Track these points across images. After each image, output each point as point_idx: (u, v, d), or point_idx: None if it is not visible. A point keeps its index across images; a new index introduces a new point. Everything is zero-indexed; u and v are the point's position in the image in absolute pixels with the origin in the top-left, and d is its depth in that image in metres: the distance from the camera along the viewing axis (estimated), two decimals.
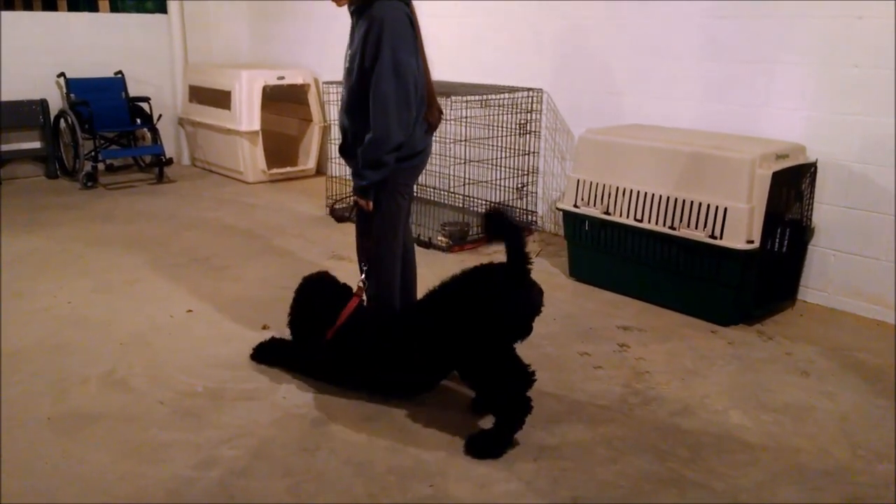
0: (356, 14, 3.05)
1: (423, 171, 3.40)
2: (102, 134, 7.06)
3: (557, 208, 4.64)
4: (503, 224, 2.69)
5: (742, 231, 3.69)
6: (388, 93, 2.88)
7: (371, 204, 3.10)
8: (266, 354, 3.39)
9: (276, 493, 2.46)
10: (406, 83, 2.90)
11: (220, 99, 7.16)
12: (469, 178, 5.47)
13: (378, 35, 2.86)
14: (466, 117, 5.36)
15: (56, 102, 7.21)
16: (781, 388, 3.22)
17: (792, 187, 3.91)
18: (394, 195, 3.16)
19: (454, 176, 5.50)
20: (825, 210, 4.06)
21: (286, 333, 3.59)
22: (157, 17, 7.80)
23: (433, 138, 3.34)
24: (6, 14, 7.03)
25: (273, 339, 3.47)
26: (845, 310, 4.06)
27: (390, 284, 3.24)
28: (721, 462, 2.67)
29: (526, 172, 5.53)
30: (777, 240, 3.93)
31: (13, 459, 2.63)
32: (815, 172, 4.00)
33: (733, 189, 3.71)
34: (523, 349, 3.55)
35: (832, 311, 4.08)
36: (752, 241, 3.70)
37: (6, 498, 2.43)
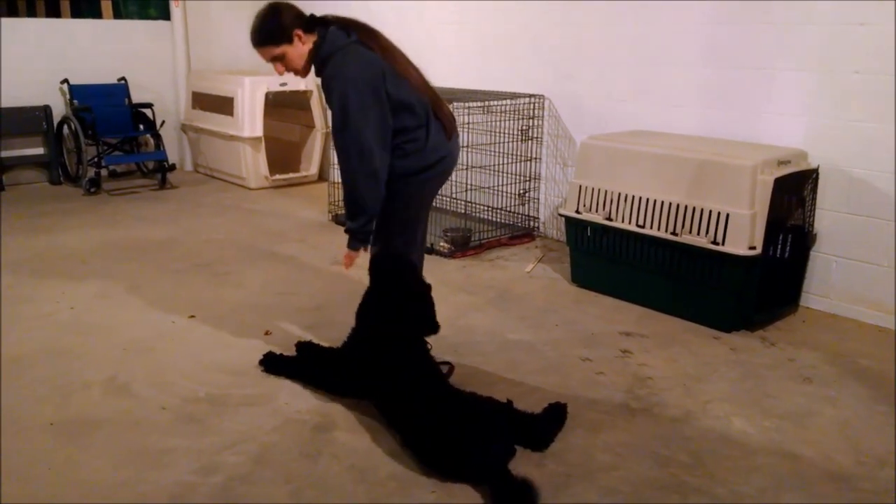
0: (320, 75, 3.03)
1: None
2: (105, 140, 7.07)
3: (559, 214, 4.64)
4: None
5: (744, 237, 3.69)
6: (361, 151, 2.87)
7: (359, 253, 3.12)
8: (279, 366, 3.34)
9: (277, 499, 2.46)
10: (363, 143, 2.85)
11: (223, 105, 7.18)
12: (471, 184, 5.48)
13: (333, 99, 2.88)
14: (468, 123, 5.37)
15: (59, 108, 7.23)
16: (784, 395, 3.22)
17: (794, 193, 3.91)
18: (413, 202, 3.17)
19: (456, 182, 5.51)
20: (827, 216, 4.06)
21: (287, 333, 3.60)
22: (160, 24, 7.82)
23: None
24: (10, 21, 7.06)
25: (300, 352, 3.40)
26: (847, 316, 4.05)
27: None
28: (723, 468, 2.66)
29: (528, 178, 5.54)
30: (779, 246, 3.92)
31: (15, 465, 2.63)
32: (816, 178, 4.00)
33: (735, 195, 3.71)
34: (525, 355, 3.56)
35: (834, 318, 4.07)
36: (754, 248, 3.70)
37: (7, 502, 2.43)
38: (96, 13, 8.35)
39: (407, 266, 3.13)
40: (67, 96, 7.17)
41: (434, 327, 3.04)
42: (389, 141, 2.95)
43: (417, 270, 3.16)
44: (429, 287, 3.09)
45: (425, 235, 3.48)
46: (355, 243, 3.08)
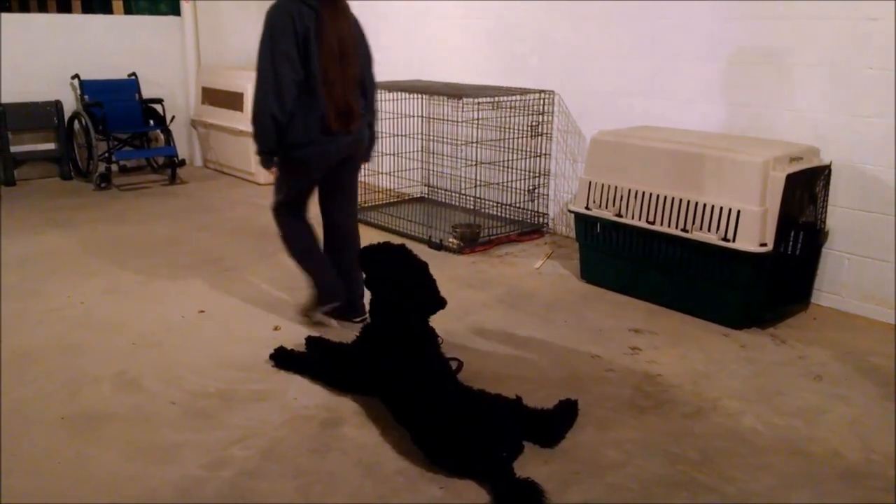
0: None
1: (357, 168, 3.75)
2: (116, 135, 7.10)
3: (569, 210, 4.63)
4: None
5: (755, 234, 3.67)
6: (263, 70, 3.33)
7: (272, 172, 3.63)
8: (288, 361, 3.35)
9: (286, 494, 2.47)
10: (279, 66, 3.30)
11: (233, 101, 7.19)
12: (480, 180, 5.46)
13: (263, 27, 3.37)
14: (478, 119, 5.36)
15: (70, 104, 7.26)
16: (794, 392, 3.20)
17: (806, 190, 3.89)
18: (290, 174, 3.62)
19: (465, 178, 5.50)
20: (839, 213, 4.03)
21: (297, 329, 3.60)
22: (171, 20, 7.84)
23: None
24: (22, 16, 7.09)
25: (310, 348, 3.43)
26: (859, 313, 4.03)
27: (285, 237, 3.73)
28: (733, 466, 2.65)
29: (537, 174, 5.52)
30: (790, 243, 3.90)
31: (26, 459, 2.65)
32: (829, 175, 3.97)
33: (746, 191, 3.69)
34: (534, 351, 3.56)
35: (846, 315, 4.05)
36: (765, 244, 3.68)
37: (18, 497, 2.44)
38: (107, 9, 8.38)
39: (387, 255, 3.16)
40: (78, 91, 7.20)
41: (439, 303, 3.07)
42: (299, 74, 3.34)
43: (402, 256, 3.17)
44: (425, 265, 3.13)
45: (339, 221, 3.81)
46: (267, 161, 3.56)
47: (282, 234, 3.72)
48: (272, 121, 3.36)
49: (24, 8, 9.63)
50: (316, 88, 3.37)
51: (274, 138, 3.43)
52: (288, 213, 3.69)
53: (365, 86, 3.63)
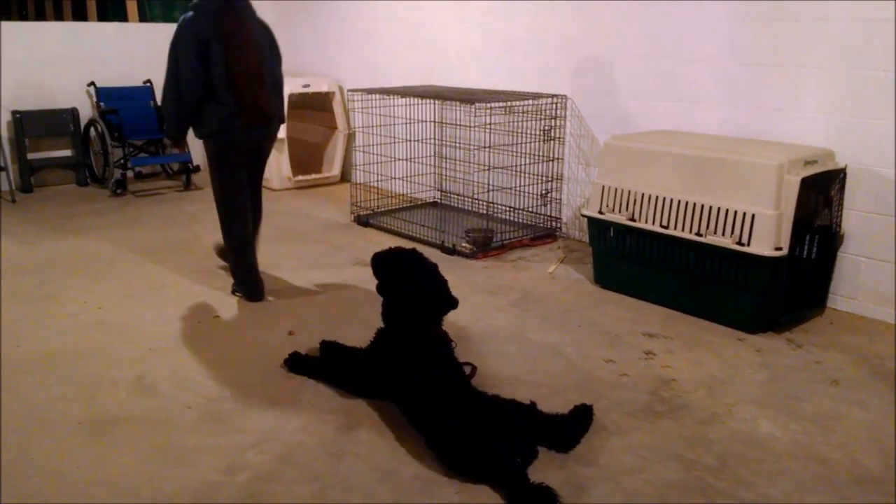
0: None
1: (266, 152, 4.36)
2: (131, 142, 7.16)
3: (582, 215, 4.63)
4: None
5: (770, 238, 3.65)
6: (168, 73, 3.85)
7: (184, 149, 4.37)
8: (303, 366, 3.37)
9: (301, 499, 2.47)
10: (181, 71, 3.78)
11: None
12: (493, 185, 5.47)
13: (174, 36, 3.86)
14: (490, 124, 5.36)
15: (86, 111, 7.33)
16: (811, 397, 3.18)
17: (821, 193, 3.87)
18: (214, 163, 4.06)
19: (478, 182, 5.50)
20: (855, 216, 4.01)
21: (311, 333, 3.62)
22: None
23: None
24: (38, 24, 7.16)
25: (323, 353, 3.44)
26: (875, 317, 4.00)
27: (225, 227, 4.24)
28: (749, 471, 2.63)
29: (550, 179, 5.52)
30: (806, 247, 3.88)
31: (44, 463, 2.67)
32: (844, 178, 3.95)
33: (761, 195, 3.68)
34: (548, 356, 3.55)
35: (862, 319, 4.02)
36: (780, 248, 3.66)
37: (34, 500, 2.46)
38: (122, 16, 8.46)
39: (392, 259, 3.18)
40: (94, 99, 7.27)
41: (451, 302, 3.09)
42: (198, 78, 3.81)
43: (412, 260, 3.19)
44: (435, 266, 3.15)
45: (252, 210, 4.36)
46: (179, 143, 4.20)
47: (222, 224, 4.23)
48: (175, 114, 3.90)
49: (41, 15, 9.73)
50: (223, 88, 3.79)
51: (178, 129, 4.01)
52: (231, 210, 4.17)
53: (276, 82, 4.09)
